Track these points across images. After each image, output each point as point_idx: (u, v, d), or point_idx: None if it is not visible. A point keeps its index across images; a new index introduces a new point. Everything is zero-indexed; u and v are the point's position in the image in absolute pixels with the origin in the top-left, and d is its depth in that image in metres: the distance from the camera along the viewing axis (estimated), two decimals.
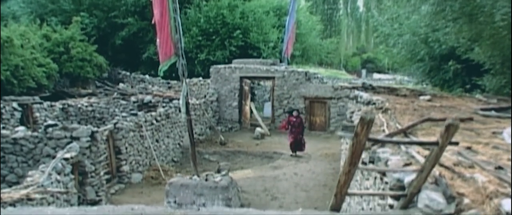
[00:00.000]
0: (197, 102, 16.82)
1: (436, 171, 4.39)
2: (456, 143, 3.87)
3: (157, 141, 13.31)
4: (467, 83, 14.55)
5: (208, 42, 23.40)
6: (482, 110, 9.28)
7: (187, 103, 9.28)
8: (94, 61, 20.51)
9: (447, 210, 3.70)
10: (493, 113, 8.95)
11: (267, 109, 21.13)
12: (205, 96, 18.54)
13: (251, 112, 19.20)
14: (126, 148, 11.67)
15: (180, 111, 14.77)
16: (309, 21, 28.23)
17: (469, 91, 13.91)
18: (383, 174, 5.13)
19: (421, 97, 10.85)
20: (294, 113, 14.51)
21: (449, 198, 3.69)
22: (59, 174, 8.39)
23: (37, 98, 14.95)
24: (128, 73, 23.15)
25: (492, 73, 12.62)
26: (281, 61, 20.54)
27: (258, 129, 17.65)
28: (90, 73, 20.04)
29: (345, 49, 66.23)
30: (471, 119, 7.96)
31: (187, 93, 9.32)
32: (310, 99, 18.32)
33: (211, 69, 19.33)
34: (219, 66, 19.37)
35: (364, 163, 6.95)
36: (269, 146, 16.12)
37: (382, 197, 5.10)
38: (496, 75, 12.48)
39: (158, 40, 9.15)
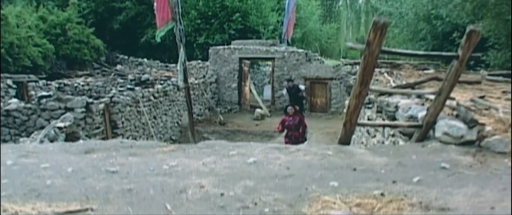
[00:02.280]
0: (196, 82, 16.49)
1: (453, 101, 4.10)
2: (478, 57, 3.57)
3: (154, 118, 13.00)
4: (470, 60, 14.26)
5: (207, 25, 23.01)
6: (490, 75, 9.06)
7: (185, 70, 8.97)
8: (91, 44, 20.11)
9: (469, 135, 3.41)
10: (501, 78, 8.74)
11: (267, 92, 20.81)
12: (204, 76, 18.20)
13: (251, 92, 18.89)
14: (123, 123, 11.35)
15: (178, 89, 14.49)
16: (308, 5, 27.85)
17: (472, 68, 13.64)
18: (393, 118, 4.84)
19: (425, 72, 10.66)
20: (289, 109, 9.94)
21: (470, 122, 3.39)
22: (51, 142, 8.06)
23: (32, 76, 14.60)
24: (126, 57, 22.77)
25: (496, 48, 12.37)
26: (281, 42, 20.17)
27: (258, 110, 17.34)
28: (87, 56, 19.65)
29: (344, 40, 65.63)
30: (479, 82, 7.71)
31: (184, 60, 9.02)
32: (311, 80, 18.00)
33: (210, 50, 18.98)
34: (218, 47, 19.02)
35: (369, 120, 6.66)
36: (269, 126, 15.81)
37: (393, 143, 4.81)
38: (501, 49, 12.21)
39: (155, 4, 8.83)
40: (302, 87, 15.64)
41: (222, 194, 2.54)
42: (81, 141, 3.96)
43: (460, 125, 3.43)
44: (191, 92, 14.32)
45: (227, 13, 22.87)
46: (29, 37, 16.31)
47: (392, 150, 3.49)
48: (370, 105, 6.67)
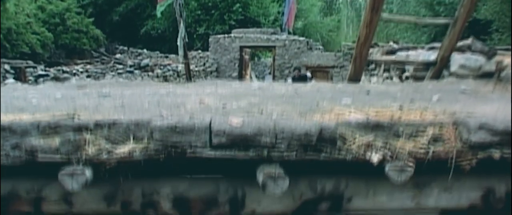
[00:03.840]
0: (196, 69, 16.28)
1: (467, 41, 3.87)
2: None
3: None
4: None
5: (207, 16, 22.79)
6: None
7: (184, 46, 8.76)
8: (90, 34, 19.92)
9: (488, 66, 3.18)
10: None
11: (268, 82, 20.57)
12: (204, 64, 17.99)
13: (252, 81, 18.66)
14: None
15: (178, 75, 14.28)
16: None
17: None
18: (403, 71, 4.61)
19: None
20: None
21: (489, 52, 3.16)
22: None
23: (30, 62, 14.40)
24: (125, 48, 22.57)
25: (500, 31, 12.21)
26: (282, 31, 19.95)
27: None
28: (86, 45, 19.47)
29: (344, 38, 65.41)
30: None
31: (185, 36, 8.81)
32: (312, 68, 17.75)
33: (210, 39, 18.74)
34: (219, 36, 18.78)
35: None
36: None
37: None
38: (505, 32, 12.06)
39: None
40: (309, 74, 14.19)
41: (224, 107, 2.31)
42: (73, 81, 3.74)
43: (478, 56, 3.20)
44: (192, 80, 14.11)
45: (228, 3, 22.65)
46: (28, 24, 16.13)
47: (405, 84, 3.26)
48: (375, 72, 6.44)
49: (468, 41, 3.73)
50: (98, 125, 1.96)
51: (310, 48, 18.15)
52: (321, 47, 19.54)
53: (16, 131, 1.98)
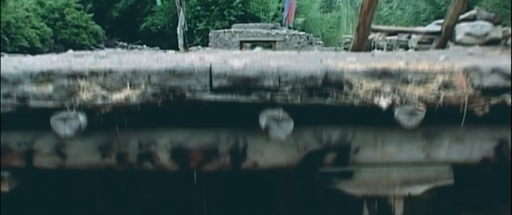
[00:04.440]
0: None
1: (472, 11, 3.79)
2: None
3: None
4: None
5: (207, 12, 22.71)
6: None
7: (184, 35, 8.68)
8: (90, 29, 19.85)
9: (494, 33, 3.10)
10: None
11: None
12: None
13: None
14: None
15: None
16: None
17: None
18: (406, 48, 4.53)
19: None
20: None
21: (495, 19, 3.08)
22: None
23: (29, 56, 14.33)
24: (125, 44, 22.47)
25: (503, 25, 12.15)
26: (282, 26, 19.90)
27: None
28: (86, 41, 19.38)
29: (344, 35, 65.30)
30: None
31: (184, 24, 8.72)
32: None
33: (210, 34, 18.69)
34: (219, 30, 18.72)
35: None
36: None
37: None
38: (506, 25, 12.03)
39: None
40: None
41: (225, 62, 2.22)
42: (70, 51, 3.67)
43: (484, 22, 3.12)
44: None
45: None
46: (27, 18, 16.05)
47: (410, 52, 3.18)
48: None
49: (474, 11, 3.65)
50: (93, 73, 1.88)
51: (311, 43, 18.09)
52: (321, 42, 19.49)
53: (8, 80, 1.90)
